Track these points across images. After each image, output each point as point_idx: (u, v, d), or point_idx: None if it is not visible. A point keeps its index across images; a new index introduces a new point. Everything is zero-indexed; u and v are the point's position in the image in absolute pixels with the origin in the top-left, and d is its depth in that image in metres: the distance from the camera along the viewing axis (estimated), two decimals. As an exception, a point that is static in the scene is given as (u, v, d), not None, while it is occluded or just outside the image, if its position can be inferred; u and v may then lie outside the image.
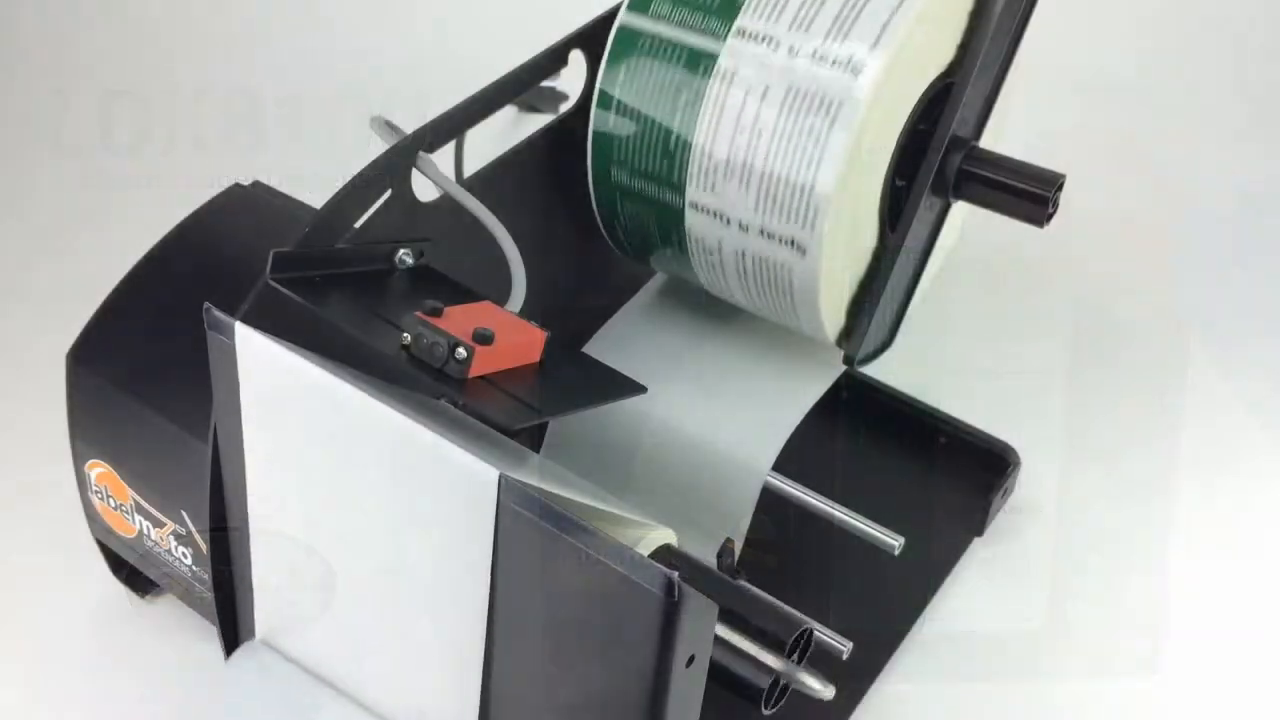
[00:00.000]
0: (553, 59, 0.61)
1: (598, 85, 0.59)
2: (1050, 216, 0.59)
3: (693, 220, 0.57)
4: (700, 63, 0.56)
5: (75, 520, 0.66)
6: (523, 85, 0.59)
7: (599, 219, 0.63)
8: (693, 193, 0.57)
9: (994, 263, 0.89)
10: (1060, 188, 0.58)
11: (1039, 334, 0.86)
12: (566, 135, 0.60)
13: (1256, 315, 0.88)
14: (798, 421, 0.62)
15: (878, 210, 0.58)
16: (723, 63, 0.55)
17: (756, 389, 0.63)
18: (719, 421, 0.62)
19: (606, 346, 0.65)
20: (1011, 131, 0.67)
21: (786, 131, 0.54)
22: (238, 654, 0.54)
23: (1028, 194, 0.58)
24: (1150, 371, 0.83)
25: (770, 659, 0.47)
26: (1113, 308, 0.88)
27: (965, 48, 0.59)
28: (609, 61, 0.58)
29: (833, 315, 0.59)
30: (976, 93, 0.58)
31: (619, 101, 0.58)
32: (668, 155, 0.57)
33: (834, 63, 0.53)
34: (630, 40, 0.58)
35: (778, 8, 0.55)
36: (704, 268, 0.60)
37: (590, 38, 0.60)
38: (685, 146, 0.56)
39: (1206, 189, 0.98)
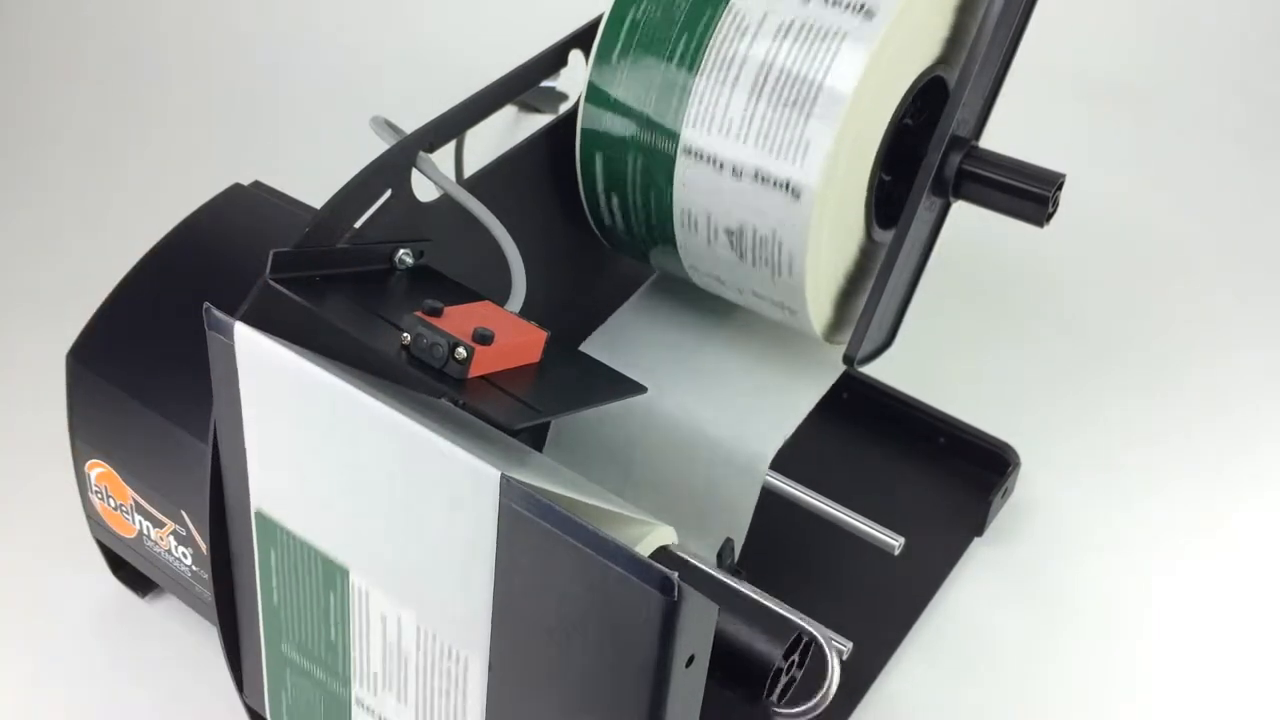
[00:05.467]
0: (552, 59, 0.61)
1: (580, 123, 0.59)
2: (1050, 216, 0.58)
3: (680, 197, 0.58)
4: (687, 54, 0.56)
5: (75, 520, 0.66)
6: (523, 85, 0.59)
7: (590, 221, 0.63)
8: (679, 187, 0.57)
9: (994, 263, 0.89)
10: (1060, 187, 0.58)
11: (1039, 334, 0.86)
12: (567, 135, 0.60)
13: (1256, 315, 0.88)
14: (799, 420, 0.62)
15: (863, 204, 0.58)
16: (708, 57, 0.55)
17: (757, 387, 0.63)
18: (718, 420, 0.62)
19: (604, 344, 0.65)
20: (1012, 131, 0.67)
21: (771, 124, 0.54)
22: None
23: (1028, 194, 0.58)
24: (1150, 371, 0.83)
25: (790, 614, 0.48)
26: (1112, 308, 0.89)
27: (953, 42, 0.59)
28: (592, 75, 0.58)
29: (819, 308, 0.59)
30: (976, 92, 0.58)
31: (610, 98, 0.58)
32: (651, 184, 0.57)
33: (818, 56, 0.53)
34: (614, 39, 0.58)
35: (728, 83, 0.55)
36: (692, 261, 0.60)
37: (589, 38, 0.60)
38: (670, 141, 0.56)
39: (1206, 188, 0.98)
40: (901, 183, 0.59)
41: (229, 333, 0.47)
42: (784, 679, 0.48)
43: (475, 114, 0.57)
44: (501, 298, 0.52)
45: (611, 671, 0.42)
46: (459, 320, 0.47)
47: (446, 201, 0.55)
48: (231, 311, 0.47)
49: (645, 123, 0.57)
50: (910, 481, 0.74)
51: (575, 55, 0.61)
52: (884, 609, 0.68)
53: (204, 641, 0.66)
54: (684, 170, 0.56)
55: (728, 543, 0.61)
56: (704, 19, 0.56)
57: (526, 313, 0.51)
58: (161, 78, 1.12)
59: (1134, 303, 0.89)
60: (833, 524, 0.64)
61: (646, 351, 0.65)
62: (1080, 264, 0.91)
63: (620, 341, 0.65)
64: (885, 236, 0.61)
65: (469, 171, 0.61)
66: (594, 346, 0.65)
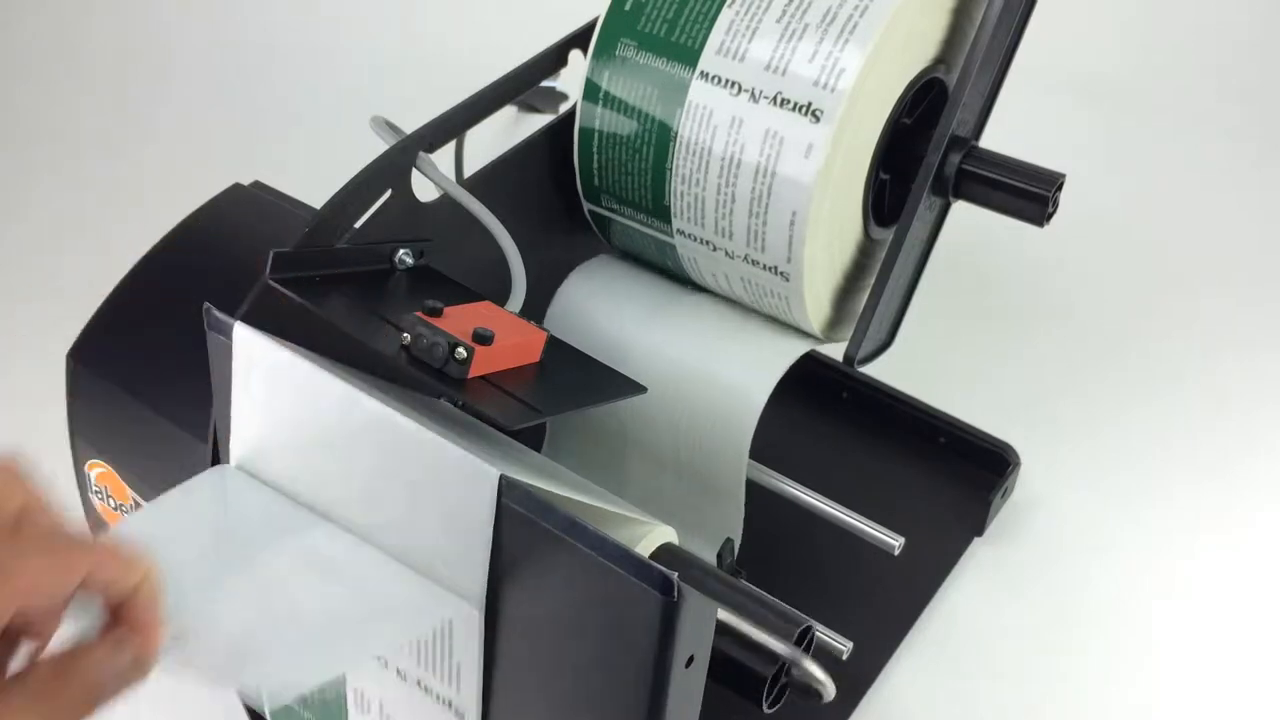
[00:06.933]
0: (552, 59, 0.61)
1: (578, 117, 0.59)
2: (1050, 216, 0.59)
3: (675, 194, 0.57)
4: (677, 71, 0.56)
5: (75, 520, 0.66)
6: (523, 85, 0.59)
7: (589, 220, 0.63)
8: (677, 185, 0.57)
9: (994, 263, 0.89)
10: (1060, 187, 0.58)
11: (1039, 334, 0.86)
12: (566, 135, 0.60)
13: (1259, 316, 0.88)
14: (791, 362, 0.60)
15: (860, 202, 0.58)
16: (702, 66, 0.55)
17: (747, 332, 0.62)
18: (707, 357, 0.60)
19: (585, 279, 0.64)
20: (1012, 131, 0.67)
21: (769, 123, 0.54)
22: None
23: (1027, 193, 0.58)
24: (1149, 371, 0.83)
25: (776, 644, 0.47)
26: (1113, 307, 0.89)
27: (950, 44, 0.59)
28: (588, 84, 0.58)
29: (817, 304, 0.59)
30: (976, 92, 0.58)
31: (606, 95, 0.58)
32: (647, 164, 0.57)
33: (815, 58, 0.53)
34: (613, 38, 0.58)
35: (761, 6, 0.55)
36: (692, 257, 0.60)
37: (589, 38, 0.60)
38: (668, 141, 0.56)
39: (1208, 188, 0.98)
40: (899, 182, 0.60)
41: (229, 333, 0.47)
42: (785, 679, 0.48)
43: (475, 114, 0.57)
44: (501, 298, 0.52)
45: (611, 671, 0.42)
46: (459, 320, 0.47)
47: (446, 201, 0.55)
48: (231, 312, 0.47)
49: (642, 120, 0.57)
50: (910, 481, 0.74)
51: (575, 55, 0.61)
52: (884, 609, 0.68)
53: (204, 641, 0.65)
54: (682, 168, 0.56)
55: (727, 542, 0.61)
56: (703, 16, 0.56)
57: (526, 313, 0.51)
58: (162, 78, 1.12)
59: (1135, 302, 0.89)
60: (833, 524, 0.64)
61: (624, 291, 0.63)
62: (1080, 264, 0.91)
63: (603, 275, 0.65)
64: (883, 234, 0.61)
65: (469, 171, 0.61)
66: (575, 281, 0.64)
